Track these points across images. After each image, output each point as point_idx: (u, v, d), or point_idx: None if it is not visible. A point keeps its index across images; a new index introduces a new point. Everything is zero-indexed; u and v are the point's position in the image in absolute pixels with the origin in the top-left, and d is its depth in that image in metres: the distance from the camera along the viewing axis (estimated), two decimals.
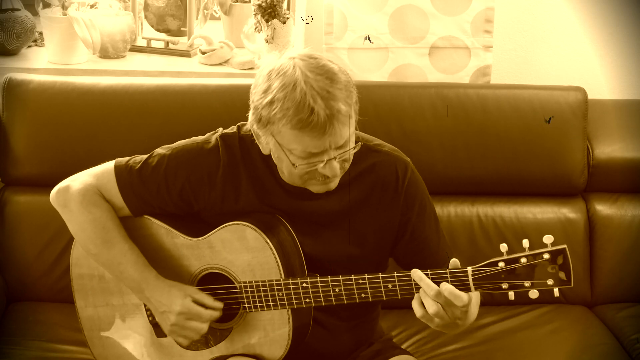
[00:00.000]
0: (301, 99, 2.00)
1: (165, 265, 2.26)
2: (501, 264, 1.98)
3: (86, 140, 2.80)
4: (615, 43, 3.30)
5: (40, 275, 2.82)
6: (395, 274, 2.08)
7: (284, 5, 3.19)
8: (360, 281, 2.11)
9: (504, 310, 2.87)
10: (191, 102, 2.83)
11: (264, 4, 3.13)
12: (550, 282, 1.96)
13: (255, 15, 3.17)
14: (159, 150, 2.30)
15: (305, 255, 2.24)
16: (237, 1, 3.38)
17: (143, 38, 3.39)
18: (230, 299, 2.23)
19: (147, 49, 3.36)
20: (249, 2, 3.33)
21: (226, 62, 3.25)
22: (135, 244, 2.26)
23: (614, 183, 3.00)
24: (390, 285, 2.09)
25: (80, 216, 2.26)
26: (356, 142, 2.12)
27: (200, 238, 2.24)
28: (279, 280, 2.18)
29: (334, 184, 2.15)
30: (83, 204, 2.25)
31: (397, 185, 2.25)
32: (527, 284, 1.97)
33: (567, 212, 2.96)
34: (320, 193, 2.18)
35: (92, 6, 3.22)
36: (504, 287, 1.99)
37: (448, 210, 2.92)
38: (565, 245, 1.95)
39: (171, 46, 3.34)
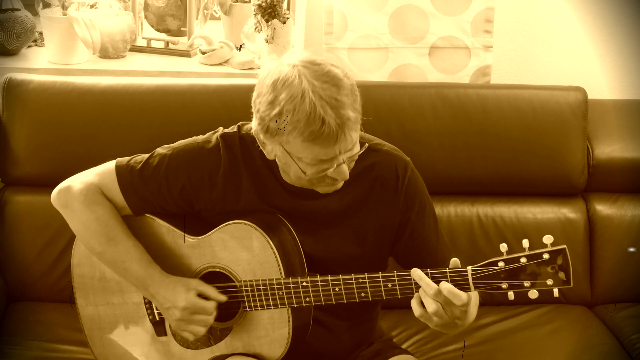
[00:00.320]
0: (311, 111, 1.99)
1: (166, 264, 2.26)
2: (501, 264, 1.98)
3: (86, 140, 2.80)
4: (615, 43, 3.31)
5: (40, 275, 2.82)
6: (395, 273, 2.08)
7: (284, 5, 3.18)
8: (360, 280, 2.11)
9: (504, 310, 2.87)
10: (191, 102, 2.83)
11: (264, 4, 3.13)
12: (549, 282, 1.96)
13: (255, 15, 3.16)
14: (160, 150, 2.30)
15: (305, 255, 2.24)
16: (237, 1, 3.38)
17: (143, 38, 3.39)
18: (230, 298, 2.23)
19: (147, 49, 3.36)
20: (249, 2, 3.33)
21: (226, 62, 3.25)
22: None
23: (614, 183, 3.00)
24: (390, 285, 2.09)
25: (82, 215, 2.26)
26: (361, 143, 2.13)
27: (201, 237, 2.24)
28: (280, 279, 2.18)
29: (341, 183, 2.16)
30: (85, 203, 2.25)
31: (397, 184, 2.25)
32: (526, 284, 1.97)
33: (567, 212, 2.96)
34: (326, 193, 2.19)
35: (92, 6, 3.22)
36: (503, 287, 1.99)
37: (448, 210, 2.92)
38: (564, 246, 1.95)
39: (171, 46, 3.34)
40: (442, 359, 2.69)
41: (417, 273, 2.02)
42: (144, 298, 2.32)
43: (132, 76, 3.01)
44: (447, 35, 3.11)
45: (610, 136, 3.02)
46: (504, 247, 1.97)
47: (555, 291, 1.95)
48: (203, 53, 3.23)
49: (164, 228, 2.28)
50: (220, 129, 2.31)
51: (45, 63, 3.21)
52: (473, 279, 2.00)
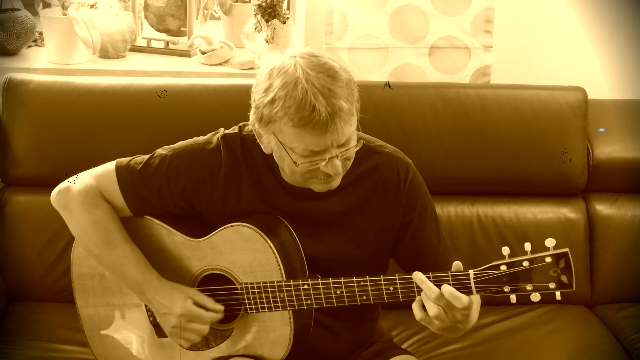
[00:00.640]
0: (302, 97, 2.00)
1: (166, 266, 2.26)
2: (503, 267, 1.98)
3: (86, 140, 2.80)
4: (615, 43, 3.31)
5: (40, 275, 2.82)
6: (397, 277, 2.08)
7: (284, 5, 3.18)
8: (362, 283, 2.11)
9: (504, 310, 2.87)
10: (191, 102, 2.83)
11: (264, 4, 3.13)
12: (552, 285, 1.96)
13: (255, 15, 3.16)
14: (161, 151, 2.30)
15: (306, 257, 2.24)
16: (237, 1, 3.37)
17: (143, 38, 3.38)
18: (231, 300, 2.23)
19: (147, 49, 3.35)
20: (249, 2, 3.33)
21: (226, 62, 3.25)
22: (137, 244, 2.26)
23: (614, 183, 3.00)
24: (392, 288, 2.09)
25: (81, 217, 2.26)
26: (358, 141, 2.13)
27: (202, 239, 2.24)
28: (280, 281, 2.18)
29: (336, 182, 2.15)
30: (84, 205, 2.25)
31: (398, 186, 2.25)
32: (528, 287, 1.97)
33: (567, 212, 2.96)
34: (322, 192, 2.18)
35: (92, 6, 3.21)
36: (505, 290, 1.99)
37: (448, 210, 2.92)
38: (567, 249, 1.95)
39: (171, 46, 3.34)
40: (442, 359, 2.69)
41: (419, 276, 2.02)
42: None
43: (132, 76, 3.01)
44: (447, 35, 3.11)
45: (610, 136, 3.02)
46: (506, 250, 1.97)
47: (558, 294, 1.96)
48: (203, 53, 3.23)
49: (164, 230, 2.28)
50: (221, 130, 2.31)
51: (45, 63, 3.21)
52: (475, 282, 2.00)
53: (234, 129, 2.30)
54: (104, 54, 3.23)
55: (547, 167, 2.93)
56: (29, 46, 3.34)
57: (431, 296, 1.99)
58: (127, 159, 2.31)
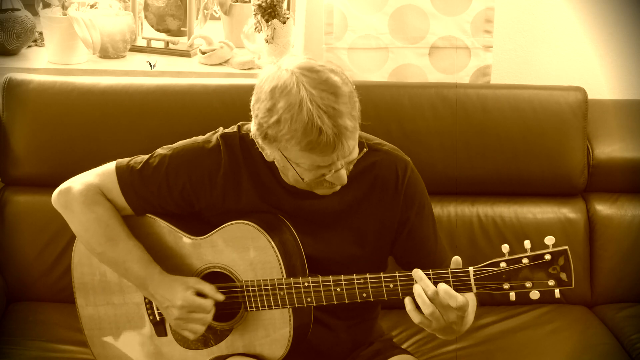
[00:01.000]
0: (308, 120, 1.99)
1: (167, 264, 2.26)
2: (503, 265, 1.99)
3: (86, 140, 2.80)
4: (615, 43, 3.31)
5: (40, 275, 2.82)
6: (397, 274, 2.09)
7: (284, 5, 3.18)
8: (362, 281, 2.12)
9: (504, 310, 2.87)
10: (191, 102, 2.83)
11: (264, 4, 3.13)
12: (551, 283, 1.96)
13: (255, 15, 3.16)
14: (160, 151, 2.30)
15: (305, 256, 2.24)
16: (237, 1, 3.38)
17: (143, 38, 3.39)
18: (231, 298, 2.23)
19: (147, 49, 3.36)
20: (249, 2, 3.33)
21: (226, 62, 3.25)
22: None
23: (614, 183, 3.00)
24: (392, 285, 2.09)
25: (83, 216, 2.26)
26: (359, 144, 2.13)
27: (203, 237, 2.24)
28: (281, 279, 2.18)
29: (339, 186, 2.16)
30: (85, 204, 2.25)
31: (397, 184, 2.25)
32: (528, 284, 1.97)
33: (567, 212, 2.96)
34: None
35: (92, 6, 3.22)
36: (505, 287, 1.99)
37: (448, 210, 2.92)
38: (566, 247, 1.95)
39: (171, 46, 3.34)
40: (442, 359, 2.69)
41: (418, 274, 2.03)
42: (145, 298, 2.32)
43: (132, 76, 3.01)
44: (447, 35, 3.11)
45: (610, 136, 3.02)
46: (505, 247, 1.98)
47: (557, 292, 1.96)
48: (203, 53, 3.23)
49: (165, 228, 2.28)
50: (221, 129, 2.32)
51: (45, 63, 3.21)
52: (475, 279, 2.00)
53: (233, 129, 2.30)
54: (104, 54, 3.23)
55: (547, 167, 2.93)
56: (29, 46, 3.34)
57: (428, 293, 1.99)
58: (127, 159, 2.32)
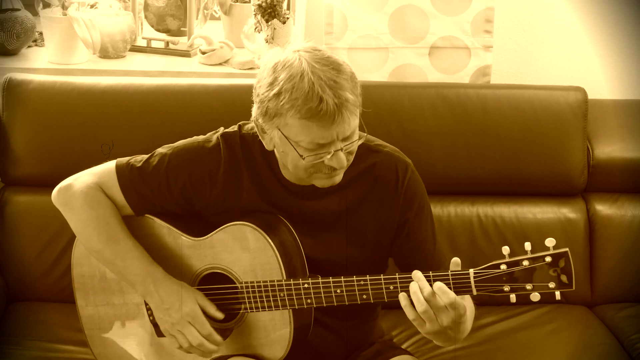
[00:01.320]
0: (309, 89, 2.00)
1: (167, 265, 2.25)
2: (503, 267, 1.98)
3: (86, 140, 2.80)
4: (615, 43, 3.31)
5: (40, 275, 2.82)
6: (397, 276, 2.09)
7: (284, 5, 3.18)
8: (362, 282, 2.12)
9: (504, 310, 2.87)
10: (191, 102, 2.83)
11: (264, 4, 3.13)
12: (551, 285, 1.96)
13: (255, 15, 3.16)
14: (160, 150, 2.30)
15: (305, 257, 2.24)
16: (237, 1, 3.37)
17: (143, 38, 3.38)
18: (231, 299, 2.23)
19: (147, 49, 3.35)
20: (249, 2, 3.33)
21: (226, 62, 3.25)
22: None
23: (614, 183, 3.00)
24: (392, 287, 2.09)
25: (83, 214, 2.26)
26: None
27: (202, 238, 2.24)
28: (281, 280, 2.18)
29: (338, 177, 2.15)
30: (86, 201, 2.25)
31: (397, 185, 2.25)
32: (528, 286, 1.97)
33: (567, 212, 2.96)
34: (322, 191, 2.19)
35: (92, 6, 3.22)
36: (505, 289, 1.99)
37: (448, 210, 2.92)
38: (567, 249, 1.95)
39: (171, 46, 3.34)
40: (442, 359, 2.69)
41: (418, 275, 2.03)
42: None
43: (132, 76, 3.01)
44: (447, 35, 3.11)
45: (610, 136, 3.02)
46: (506, 249, 1.98)
47: (557, 294, 1.96)
48: (203, 53, 3.23)
49: (164, 229, 2.28)
50: (221, 129, 2.31)
51: (45, 63, 3.21)
52: (475, 281, 2.00)
53: (234, 128, 2.30)
54: (104, 54, 3.23)
55: (547, 167, 2.93)
56: (29, 46, 3.34)
57: (424, 293, 1.99)
58: (127, 158, 2.32)
